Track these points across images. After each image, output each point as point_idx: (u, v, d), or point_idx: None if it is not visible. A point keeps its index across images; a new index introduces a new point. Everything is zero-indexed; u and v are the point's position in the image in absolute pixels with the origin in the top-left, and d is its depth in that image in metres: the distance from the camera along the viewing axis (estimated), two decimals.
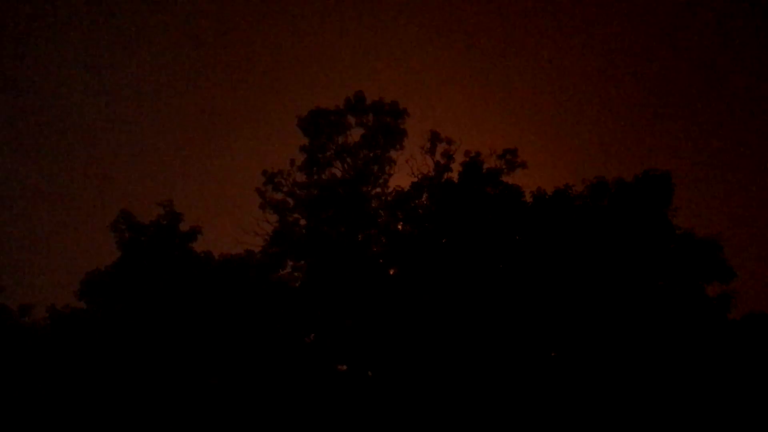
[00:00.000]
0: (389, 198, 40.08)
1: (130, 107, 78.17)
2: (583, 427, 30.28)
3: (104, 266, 35.07)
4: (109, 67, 77.16)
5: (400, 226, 38.74)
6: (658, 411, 30.42)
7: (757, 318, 31.18)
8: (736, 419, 29.71)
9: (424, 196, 39.16)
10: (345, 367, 36.49)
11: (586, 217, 32.56)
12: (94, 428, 33.14)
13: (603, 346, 31.17)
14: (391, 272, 37.76)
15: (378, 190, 41.22)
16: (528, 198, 33.90)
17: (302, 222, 40.45)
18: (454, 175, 39.21)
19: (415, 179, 39.63)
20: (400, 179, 40.52)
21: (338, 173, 41.01)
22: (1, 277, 36.81)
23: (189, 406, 32.96)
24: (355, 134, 41.17)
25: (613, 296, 31.25)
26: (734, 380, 30.40)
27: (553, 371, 31.57)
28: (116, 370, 33.60)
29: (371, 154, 41.04)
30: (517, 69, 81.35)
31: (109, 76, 77.48)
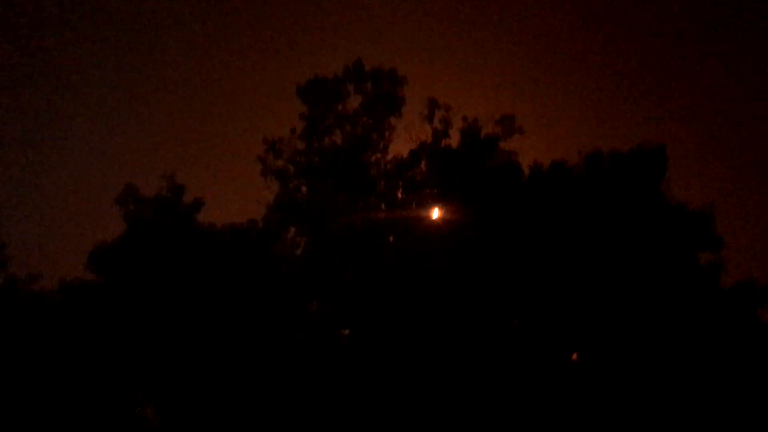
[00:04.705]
0: (389, 165, 40.54)
1: (131, 80, 77.37)
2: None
3: (111, 239, 35.84)
4: (111, 40, 76.27)
5: (399, 194, 39.39)
6: (648, 375, 31.63)
7: (746, 286, 32.21)
8: (724, 385, 30.93)
9: (423, 163, 39.70)
10: (347, 332, 37.70)
11: (582, 189, 33.22)
12: (102, 395, 34.38)
13: (598, 315, 32.21)
14: (391, 239, 38.61)
15: (378, 156, 41.68)
16: (525, 170, 34.46)
17: (304, 189, 40.98)
18: (452, 141, 39.72)
19: (414, 146, 40.10)
20: (399, 146, 40.91)
21: (338, 140, 41.37)
22: (9, 248, 37.45)
23: (196, 375, 34.08)
24: (354, 102, 41.37)
25: (608, 266, 32.13)
26: (723, 347, 31.53)
27: (551, 342, 32.69)
28: (124, 338, 34.60)
29: (370, 122, 41.28)
30: (513, 37, 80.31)
31: (111, 51, 76.76)
